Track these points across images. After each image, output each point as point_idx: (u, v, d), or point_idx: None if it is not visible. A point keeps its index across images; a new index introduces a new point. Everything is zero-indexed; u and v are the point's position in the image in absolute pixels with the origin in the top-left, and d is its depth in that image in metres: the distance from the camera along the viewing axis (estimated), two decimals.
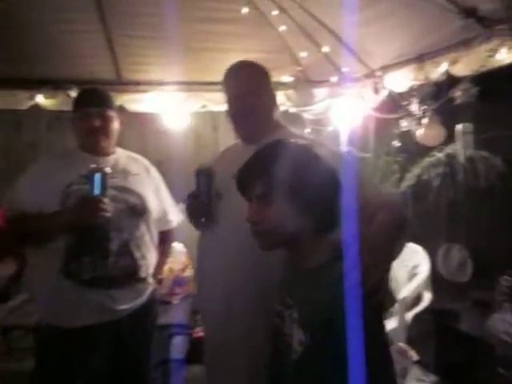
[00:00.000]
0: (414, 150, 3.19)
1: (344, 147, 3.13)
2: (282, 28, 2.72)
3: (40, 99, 2.91)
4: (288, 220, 1.02)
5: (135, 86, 3.10)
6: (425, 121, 2.73)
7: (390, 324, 2.47)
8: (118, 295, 1.69)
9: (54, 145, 3.55)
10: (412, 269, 2.84)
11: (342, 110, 3.22)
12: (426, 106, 2.71)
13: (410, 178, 3.18)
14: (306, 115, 3.31)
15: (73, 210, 1.62)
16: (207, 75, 2.94)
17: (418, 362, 2.40)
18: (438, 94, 2.60)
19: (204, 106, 3.19)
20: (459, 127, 2.98)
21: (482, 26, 2.02)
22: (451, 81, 2.43)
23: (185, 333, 2.35)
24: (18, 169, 1.79)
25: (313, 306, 0.96)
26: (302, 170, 1.02)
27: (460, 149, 2.96)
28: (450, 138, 2.96)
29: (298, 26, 2.73)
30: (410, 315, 2.58)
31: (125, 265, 1.71)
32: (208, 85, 3.03)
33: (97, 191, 1.59)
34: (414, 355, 2.38)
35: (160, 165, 2.11)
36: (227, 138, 1.89)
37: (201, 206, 1.42)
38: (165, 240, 1.99)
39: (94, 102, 1.75)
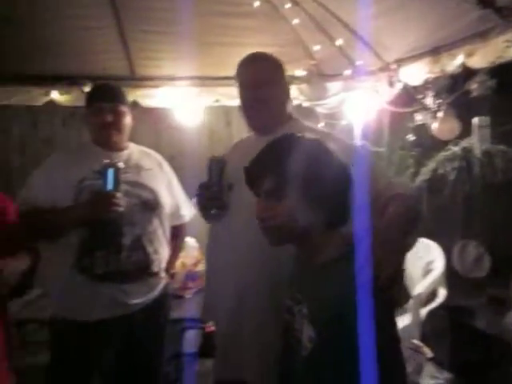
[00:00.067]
0: (429, 144, 3.15)
1: (358, 141, 3.10)
2: (296, 21, 2.70)
3: (55, 95, 2.94)
4: (298, 215, 1.00)
5: (148, 81, 3.12)
6: (440, 114, 2.69)
7: (405, 320, 2.45)
8: (131, 289, 1.70)
9: (70, 140, 3.60)
10: (427, 265, 2.80)
11: (356, 104, 3.18)
12: (441, 100, 2.67)
13: (425, 173, 3.14)
14: (319, 109, 3.29)
15: (86, 205, 1.63)
16: (220, 70, 2.93)
17: (432, 359, 2.38)
18: (454, 87, 2.56)
19: (217, 101, 3.18)
20: (475, 120, 2.93)
21: (500, 17, 1.97)
22: (467, 73, 2.39)
23: (197, 327, 2.36)
24: (34, 165, 1.81)
25: (323, 302, 0.95)
26: (313, 163, 1.01)
27: (476, 142, 2.92)
28: (466, 131, 2.92)
29: (311, 20, 2.71)
30: (424, 312, 2.56)
31: (137, 259, 1.72)
32: (221, 79, 3.03)
33: (110, 186, 1.60)
34: (428, 352, 2.36)
35: (173, 160, 2.12)
36: (241, 133, 1.88)
37: (212, 196, 1.41)
38: (177, 235, 2.00)
39: (106, 97, 1.76)
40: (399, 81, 2.78)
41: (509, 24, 1.96)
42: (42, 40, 2.61)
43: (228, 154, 1.55)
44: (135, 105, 2.97)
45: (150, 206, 1.77)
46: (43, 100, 2.94)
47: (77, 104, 2.89)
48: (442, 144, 3.04)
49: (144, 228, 1.74)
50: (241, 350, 1.35)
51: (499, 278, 2.74)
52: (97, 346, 1.68)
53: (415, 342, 2.35)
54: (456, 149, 3.00)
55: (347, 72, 3.04)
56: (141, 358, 1.79)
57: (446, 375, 2.40)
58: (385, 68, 2.86)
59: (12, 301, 1.81)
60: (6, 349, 1.49)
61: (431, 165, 3.12)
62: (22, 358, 2.01)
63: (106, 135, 1.76)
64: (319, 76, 3.17)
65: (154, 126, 3.59)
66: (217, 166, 1.41)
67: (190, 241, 2.73)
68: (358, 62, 2.97)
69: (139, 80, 3.09)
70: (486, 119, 2.91)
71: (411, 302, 2.52)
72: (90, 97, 1.82)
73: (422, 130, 3.02)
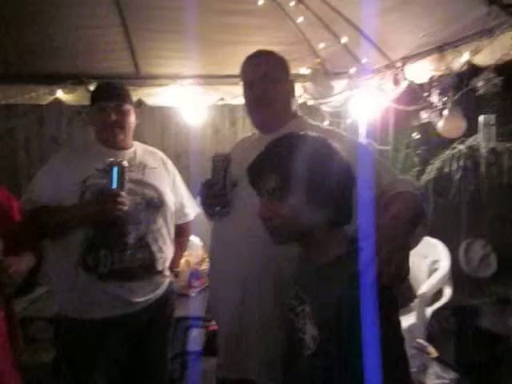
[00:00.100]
0: (434, 143, 3.13)
1: (363, 140, 3.08)
2: (300, 19, 2.69)
3: (60, 94, 2.96)
4: (301, 214, 1.00)
5: (153, 80, 3.12)
6: (446, 112, 2.66)
7: (410, 320, 2.44)
8: (136, 288, 1.70)
9: (75, 139, 3.62)
10: (432, 264, 2.79)
11: (361, 102, 3.17)
12: (447, 97, 2.64)
13: (430, 171, 3.12)
14: (324, 107, 3.28)
15: (90, 203, 1.64)
16: (225, 68, 2.94)
17: (437, 359, 2.36)
18: (460, 85, 2.54)
19: (222, 99, 3.18)
20: (481, 118, 2.91)
21: (507, 14, 1.95)
22: (473, 71, 2.37)
23: (202, 325, 2.36)
24: (40, 163, 1.81)
25: (326, 301, 0.95)
26: (316, 162, 1.00)
27: (482, 141, 2.90)
28: (472, 129, 2.89)
29: (315, 18, 2.70)
30: (429, 311, 2.55)
31: (142, 258, 1.72)
32: (226, 78, 3.03)
33: (114, 185, 1.60)
34: (433, 351, 2.34)
35: (178, 158, 2.12)
36: (245, 131, 1.89)
37: (216, 193, 1.41)
38: (182, 233, 2.00)
39: (110, 95, 1.76)
40: (404, 79, 2.75)
41: None
42: (47, 39, 2.62)
43: (232, 151, 1.55)
44: (140, 103, 2.97)
45: (155, 204, 1.77)
46: (49, 99, 2.96)
47: (82, 103, 2.91)
48: (447, 142, 3.01)
49: (148, 226, 1.74)
50: (244, 349, 1.35)
51: (505, 278, 2.73)
52: (101, 344, 1.68)
53: (420, 341, 2.34)
54: (462, 147, 2.98)
55: (352, 70, 3.02)
56: (145, 356, 1.80)
57: (452, 375, 2.38)
58: (390, 66, 2.85)
59: (18, 299, 1.82)
60: (13, 347, 1.50)
61: (437, 163, 3.10)
62: (28, 355, 2.02)
63: (110, 134, 1.76)
64: (324, 74, 3.16)
65: (159, 125, 3.60)
66: (221, 163, 1.41)
67: (195, 239, 2.73)
68: (363, 60, 2.95)
69: (144, 79, 3.10)
70: (492, 117, 2.89)
71: (416, 301, 2.51)
72: (95, 96, 1.82)
73: (427, 128, 2.99)
